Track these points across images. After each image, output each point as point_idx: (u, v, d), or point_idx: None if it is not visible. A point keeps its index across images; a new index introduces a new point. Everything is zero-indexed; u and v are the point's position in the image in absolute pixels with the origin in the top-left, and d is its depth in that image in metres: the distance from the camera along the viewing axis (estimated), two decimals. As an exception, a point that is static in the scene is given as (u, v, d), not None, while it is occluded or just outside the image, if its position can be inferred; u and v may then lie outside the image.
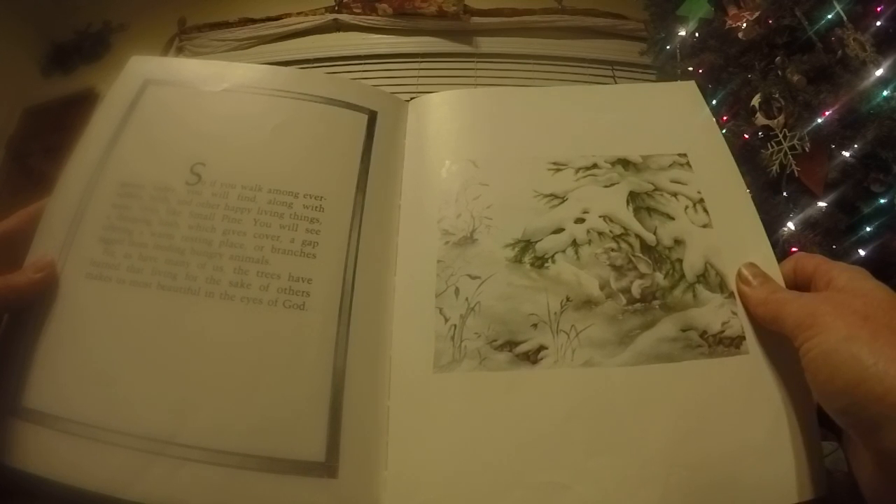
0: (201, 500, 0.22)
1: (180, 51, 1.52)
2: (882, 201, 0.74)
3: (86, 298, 0.25)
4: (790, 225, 0.79)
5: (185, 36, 1.54)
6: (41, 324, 0.24)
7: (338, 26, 1.51)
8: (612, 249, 0.27)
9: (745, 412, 0.24)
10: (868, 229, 0.75)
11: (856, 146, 0.75)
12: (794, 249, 0.75)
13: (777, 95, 0.80)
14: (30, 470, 0.22)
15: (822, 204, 0.78)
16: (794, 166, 0.78)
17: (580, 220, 0.28)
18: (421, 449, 0.24)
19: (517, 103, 0.34)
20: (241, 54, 1.49)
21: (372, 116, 0.32)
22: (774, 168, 0.80)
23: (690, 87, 0.33)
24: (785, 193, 0.81)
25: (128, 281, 0.25)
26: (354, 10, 1.48)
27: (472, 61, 1.47)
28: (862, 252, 0.74)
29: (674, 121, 0.32)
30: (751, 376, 0.24)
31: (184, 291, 0.25)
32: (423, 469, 0.23)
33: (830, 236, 0.77)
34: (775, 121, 0.81)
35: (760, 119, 0.82)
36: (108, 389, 0.23)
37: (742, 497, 0.22)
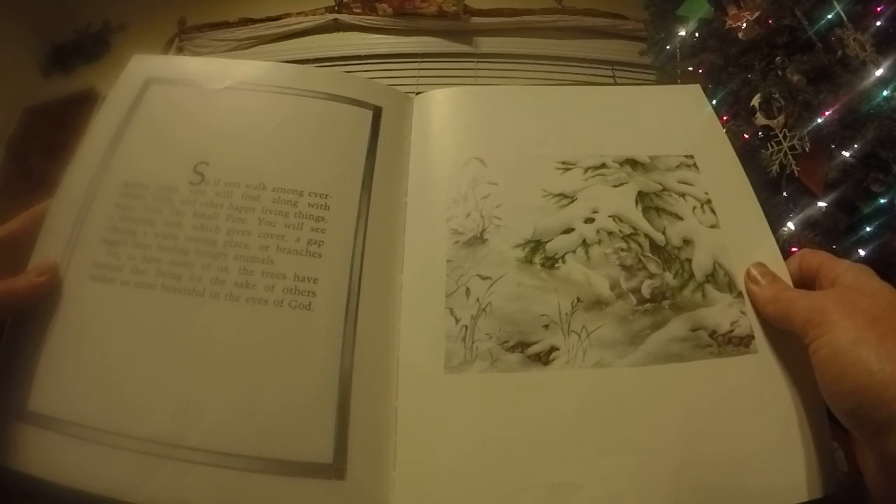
0: (208, 503, 0.22)
1: (180, 51, 1.52)
2: (882, 201, 0.74)
3: (90, 301, 0.25)
4: (790, 225, 0.79)
5: (185, 36, 1.54)
6: (45, 327, 0.24)
7: (338, 26, 1.51)
8: (622, 249, 0.27)
9: (755, 411, 0.24)
10: (868, 229, 0.75)
11: (856, 146, 0.75)
12: (793, 249, 0.75)
13: (777, 95, 0.80)
14: (36, 473, 0.22)
15: (822, 204, 0.78)
16: (794, 166, 0.78)
17: (590, 220, 0.28)
18: (430, 450, 0.23)
19: (523, 101, 0.34)
20: (241, 54, 1.48)
21: (377, 112, 0.31)
22: (774, 168, 0.80)
23: (695, 90, 0.34)
24: (785, 193, 0.81)
25: (132, 283, 0.25)
26: (354, 10, 1.48)
27: (472, 61, 1.47)
28: (862, 252, 0.74)
29: (680, 123, 0.32)
30: (760, 375, 0.24)
31: (188, 293, 0.25)
32: (432, 470, 0.23)
33: (830, 236, 0.77)
34: (775, 121, 0.81)
35: (760, 119, 0.82)
36: (113, 392, 0.23)
37: (752, 495, 0.22)
